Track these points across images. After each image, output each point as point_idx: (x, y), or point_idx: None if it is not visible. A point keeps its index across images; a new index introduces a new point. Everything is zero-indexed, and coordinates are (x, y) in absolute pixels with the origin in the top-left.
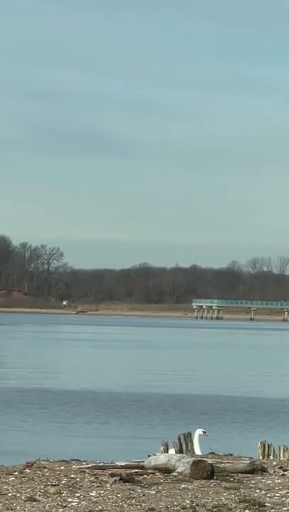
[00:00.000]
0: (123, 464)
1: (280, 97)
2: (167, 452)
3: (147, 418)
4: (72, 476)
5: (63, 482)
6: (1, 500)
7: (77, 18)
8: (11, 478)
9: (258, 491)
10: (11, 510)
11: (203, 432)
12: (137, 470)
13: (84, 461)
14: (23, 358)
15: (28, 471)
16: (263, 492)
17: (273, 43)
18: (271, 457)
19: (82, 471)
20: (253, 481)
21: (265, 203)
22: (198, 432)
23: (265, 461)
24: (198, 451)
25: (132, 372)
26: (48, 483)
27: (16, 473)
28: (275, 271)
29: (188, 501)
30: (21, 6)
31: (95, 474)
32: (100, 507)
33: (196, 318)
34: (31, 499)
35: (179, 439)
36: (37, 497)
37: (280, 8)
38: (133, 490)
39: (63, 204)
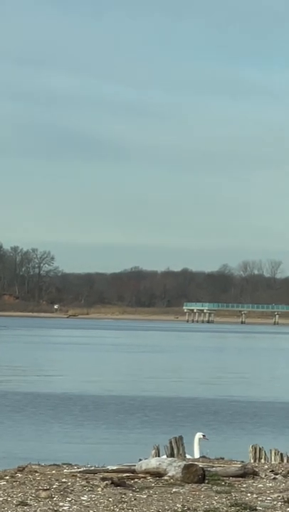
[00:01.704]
0: (114, 468)
1: (270, 99)
2: (159, 456)
3: (137, 422)
4: (64, 480)
5: (55, 486)
6: None
7: (67, 20)
8: (2, 483)
9: (249, 494)
10: None
11: (203, 435)
12: (128, 474)
13: (75, 465)
14: (12, 361)
15: (19, 475)
16: (255, 496)
17: (264, 45)
18: (262, 461)
19: (73, 475)
20: (245, 485)
21: (255, 206)
22: (198, 435)
23: (257, 464)
24: (197, 454)
25: (122, 375)
26: (40, 487)
27: (7, 477)
28: (266, 274)
29: (180, 505)
30: (12, 9)
31: (86, 478)
32: (92, 511)
33: (187, 321)
34: (23, 503)
35: (170, 442)
36: (28, 501)
37: (270, 12)
38: (124, 494)
39: (54, 208)
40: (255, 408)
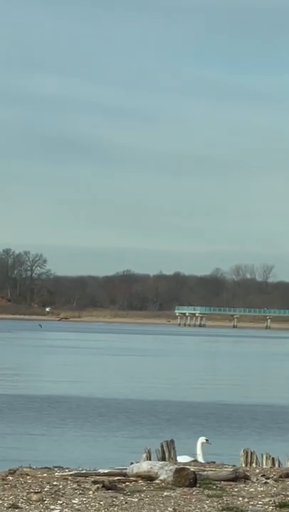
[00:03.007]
0: (106, 471)
1: (259, 104)
2: (150, 460)
3: (128, 425)
4: (55, 483)
5: (46, 489)
6: None
7: (57, 23)
8: None
9: (240, 498)
10: None
11: (206, 440)
12: (119, 477)
13: (66, 468)
14: (3, 364)
15: (10, 478)
16: (246, 500)
17: (258, 50)
18: (254, 465)
19: (64, 479)
20: (236, 489)
21: (248, 211)
22: (201, 440)
23: (248, 468)
24: (201, 459)
25: (113, 379)
26: (31, 490)
27: None
28: (258, 278)
29: (171, 509)
30: (2, 11)
31: (77, 481)
32: None
33: (179, 325)
34: (14, 506)
35: (162, 446)
36: (20, 504)
37: (263, 16)
38: (116, 497)
39: (46, 211)
40: (244, 412)
